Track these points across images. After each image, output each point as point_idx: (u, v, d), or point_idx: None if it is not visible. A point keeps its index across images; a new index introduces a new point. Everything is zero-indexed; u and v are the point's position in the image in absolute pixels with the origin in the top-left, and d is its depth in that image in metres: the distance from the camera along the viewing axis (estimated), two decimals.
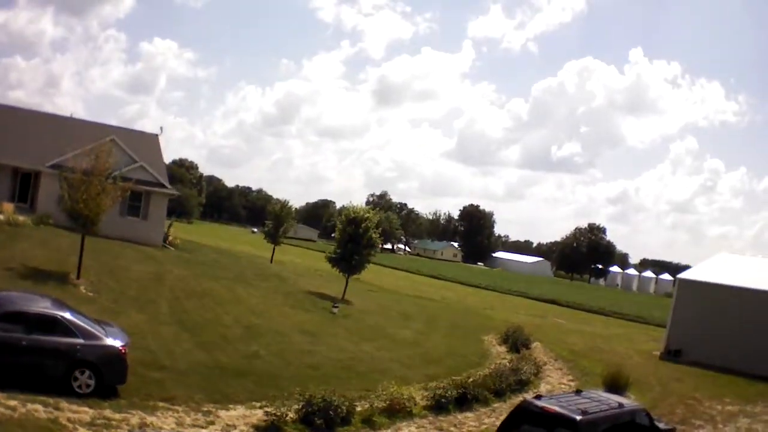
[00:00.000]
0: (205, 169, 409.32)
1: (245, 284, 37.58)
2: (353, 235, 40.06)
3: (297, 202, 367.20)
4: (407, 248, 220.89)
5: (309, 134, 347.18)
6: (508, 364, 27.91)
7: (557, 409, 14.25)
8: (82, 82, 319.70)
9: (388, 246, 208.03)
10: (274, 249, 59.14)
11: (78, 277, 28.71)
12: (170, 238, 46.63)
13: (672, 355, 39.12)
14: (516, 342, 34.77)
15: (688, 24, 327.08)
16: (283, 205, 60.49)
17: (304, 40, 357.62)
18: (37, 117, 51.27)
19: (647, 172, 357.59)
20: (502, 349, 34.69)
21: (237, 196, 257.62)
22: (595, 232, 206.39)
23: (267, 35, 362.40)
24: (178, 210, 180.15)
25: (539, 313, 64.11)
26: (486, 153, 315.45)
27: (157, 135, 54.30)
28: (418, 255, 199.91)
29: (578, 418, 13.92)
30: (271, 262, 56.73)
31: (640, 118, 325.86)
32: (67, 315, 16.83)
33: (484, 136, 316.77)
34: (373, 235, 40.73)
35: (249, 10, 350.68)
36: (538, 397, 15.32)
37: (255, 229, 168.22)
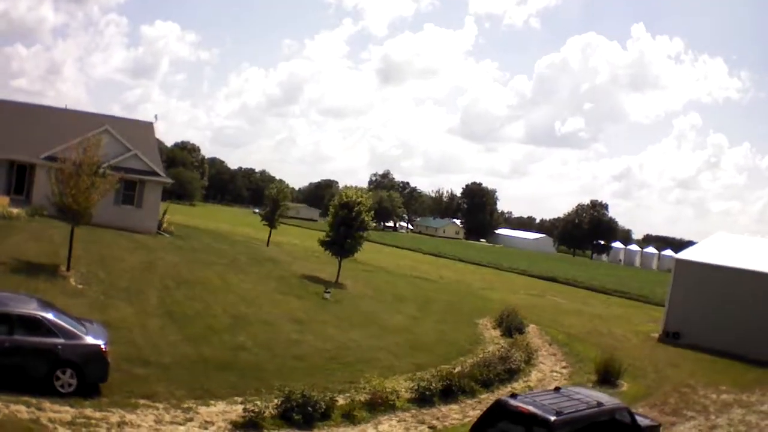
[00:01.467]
0: (209, 151, 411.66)
1: (238, 270, 37.53)
2: (346, 219, 40.04)
3: (301, 181, 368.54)
4: (410, 226, 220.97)
5: (312, 114, 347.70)
6: (498, 351, 27.65)
7: (532, 408, 14.09)
8: (83, 67, 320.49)
9: (390, 224, 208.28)
10: (270, 232, 59.10)
11: (68, 269, 28.77)
12: (165, 224, 46.56)
13: (670, 337, 38.94)
14: (510, 326, 34.51)
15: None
16: (280, 188, 60.63)
17: (306, 20, 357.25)
18: (32, 109, 51.38)
19: (651, 148, 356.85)
20: (496, 333, 34.55)
21: (240, 178, 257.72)
22: (597, 208, 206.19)
23: (269, 16, 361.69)
24: (180, 192, 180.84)
25: (538, 291, 64.09)
26: (490, 130, 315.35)
27: (151, 123, 54.35)
28: (420, 233, 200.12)
29: (552, 418, 13.75)
30: (268, 245, 56.66)
31: (644, 94, 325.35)
32: (49, 315, 16.82)
33: (488, 113, 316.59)
34: (366, 218, 40.66)
35: None
36: (514, 395, 15.17)
37: (256, 209, 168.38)
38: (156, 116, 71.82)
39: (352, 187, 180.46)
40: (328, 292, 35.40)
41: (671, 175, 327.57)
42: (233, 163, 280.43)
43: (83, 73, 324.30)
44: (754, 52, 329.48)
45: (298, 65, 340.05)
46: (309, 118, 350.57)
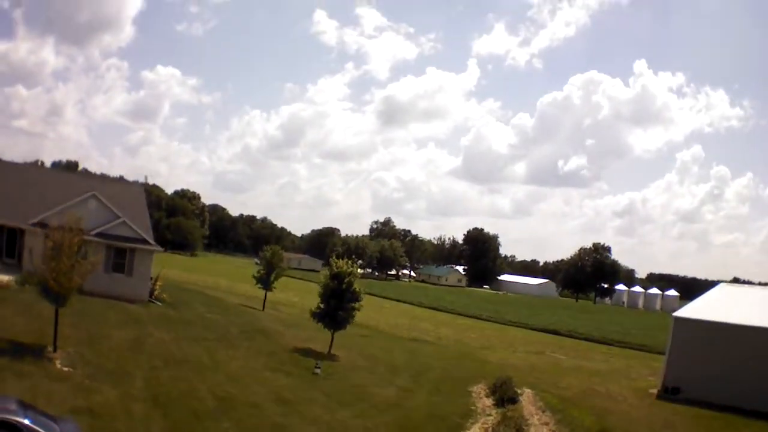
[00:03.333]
0: (211, 195, 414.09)
1: (228, 345, 37.06)
2: (336, 291, 39.71)
3: (303, 227, 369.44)
4: (412, 273, 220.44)
5: (314, 157, 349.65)
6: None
7: None
8: (85, 110, 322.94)
9: (393, 272, 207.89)
10: (266, 296, 58.70)
11: (54, 351, 28.39)
12: (156, 291, 46.20)
13: (669, 393, 38.42)
14: (503, 396, 33.98)
15: (690, 33, 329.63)
16: (275, 251, 60.44)
17: (308, 64, 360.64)
18: (21, 170, 51.39)
19: (654, 183, 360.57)
20: (489, 402, 34.08)
21: (241, 225, 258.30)
22: (599, 251, 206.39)
23: (270, 60, 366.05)
24: (180, 242, 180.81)
25: (538, 348, 63.65)
26: (493, 170, 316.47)
27: (141, 184, 54.43)
28: (423, 281, 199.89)
29: None
30: (263, 308, 56.27)
31: (647, 129, 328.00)
32: (26, 422, 16.55)
33: (491, 153, 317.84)
34: (357, 289, 40.35)
35: (252, 36, 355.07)
36: None
37: (258, 260, 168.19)
38: (146, 177, 71.67)
39: (353, 236, 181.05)
40: (318, 368, 34.92)
41: (674, 209, 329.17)
42: (234, 210, 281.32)
43: (85, 116, 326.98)
44: (755, 79, 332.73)
45: (300, 108, 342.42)
46: (311, 161, 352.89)
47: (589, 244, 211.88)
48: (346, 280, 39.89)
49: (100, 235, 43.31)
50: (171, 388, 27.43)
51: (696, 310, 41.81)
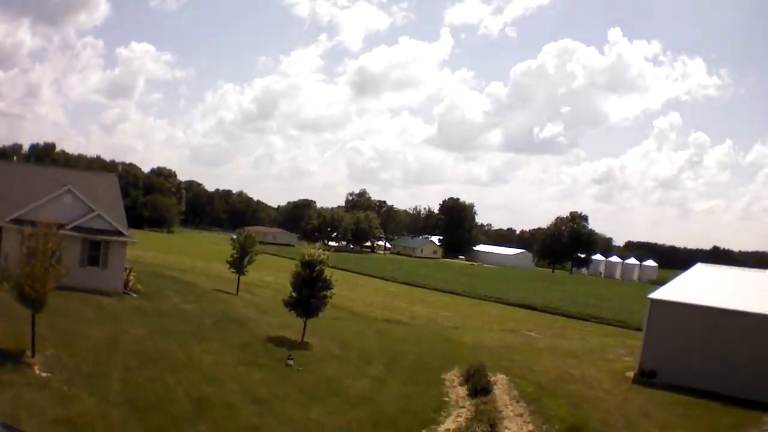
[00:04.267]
0: (188, 170, 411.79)
1: (202, 338, 37.25)
2: (307, 279, 40.08)
3: (279, 199, 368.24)
4: (388, 245, 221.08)
5: (289, 129, 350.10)
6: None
7: None
8: (61, 89, 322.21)
9: (368, 245, 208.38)
10: (239, 280, 58.99)
11: (33, 355, 28.65)
12: (131, 283, 46.43)
13: (646, 376, 39.04)
14: (476, 386, 34.34)
15: (666, 2, 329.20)
16: (247, 235, 60.84)
17: (280, 37, 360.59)
18: None
19: (632, 150, 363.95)
20: (463, 392, 34.46)
21: (217, 200, 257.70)
22: (576, 220, 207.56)
23: (243, 34, 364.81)
24: (157, 219, 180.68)
25: (513, 325, 64.29)
26: (468, 138, 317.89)
27: (115, 175, 54.52)
28: (398, 253, 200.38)
29: None
30: (237, 293, 56.60)
31: (623, 97, 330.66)
32: None
33: (465, 121, 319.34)
34: (327, 277, 40.77)
35: (225, 9, 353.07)
36: None
37: (234, 236, 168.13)
38: (120, 166, 71.59)
39: (328, 208, 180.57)
40: (291, 359, 35.30)
41: (653, 176, 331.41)
42: (211, 184, 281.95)
43: (61, 95, 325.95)
44: (733, 49, 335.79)
45: (273, 81, 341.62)
46: (286, 133, 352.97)
47: (566, 213, 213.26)
48: (317, 269, 40.26)
49: (75, 228, 43.50)
50: (147, 391, 27.69)
51: (672, 292, 42.21)
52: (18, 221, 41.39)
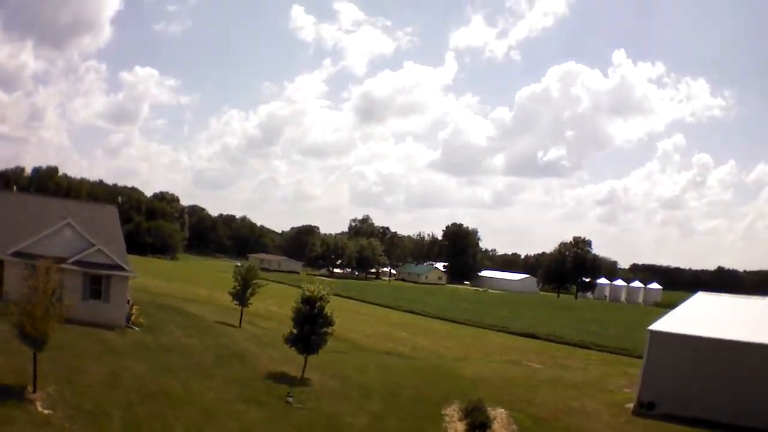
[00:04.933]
0: (191, 194, 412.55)
1: (203, 375, 37.44)
2: (308, 315, 40.20)
3: (283, 224, 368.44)
4: (392, 271, 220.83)
5: (294, 154, 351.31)
6: None
7: None
8: (65, 113, 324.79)
9: (373, 271, 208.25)
10: (242, 312, 59.13)
11: (35, 391, 29.00)
12: (133, 317, 46.60)
13: (645, 408, 38.95)
14: (475, 422, 34.40)
15: (670, 24, 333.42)
16: (249, 267, 61.10)
17: (285, 62, 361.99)
18: None
19: (635, 171, 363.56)
20: (462, 427, 34.66)
21: (221, 226, 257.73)
22: (580, 245, 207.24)
23: (248, 59, 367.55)
24: (160, 246, 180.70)
25: (515, 356, 64.06)
26: (471, 162, 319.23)
27: (114, 207, 54.87)
28: (402, 280, 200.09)
29: None
30: (240, 325, 56.70)
31: (627, 119, 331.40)
32: None
33: (469, 146, 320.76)
34: (328, 313, 40.89)
35: (229, 34, 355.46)
36: None
37: (239, 263, 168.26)
38: (120, 198, 72.04)
39: (331, 235, 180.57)
40: (291, 396, 35.44)
41: (656, 197, 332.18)
42: (214, 207, 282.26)
43: (65, 119, 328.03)
44: (736, 70, 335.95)
45: (278, 107, 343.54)
46: (290, 158, 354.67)
47: (571, 235, 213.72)
48: (317, 305, 40.41)
49: (76, 263, 43.81)
50: (147, 428, 27.99)
51: (672, 323, 42.15)
52: (19, 254, 41.82)
